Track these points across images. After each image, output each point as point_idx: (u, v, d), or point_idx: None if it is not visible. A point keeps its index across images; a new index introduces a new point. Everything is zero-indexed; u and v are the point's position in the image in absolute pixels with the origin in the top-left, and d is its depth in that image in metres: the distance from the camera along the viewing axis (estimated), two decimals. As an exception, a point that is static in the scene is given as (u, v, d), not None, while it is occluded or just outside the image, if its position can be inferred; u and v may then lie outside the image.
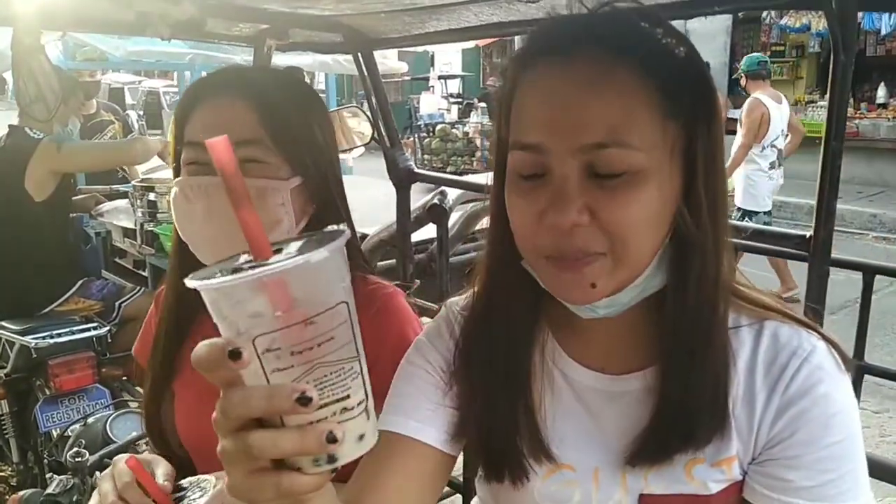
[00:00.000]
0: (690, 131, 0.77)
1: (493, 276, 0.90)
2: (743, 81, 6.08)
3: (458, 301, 0.99)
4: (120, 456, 1.06)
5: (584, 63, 0.75)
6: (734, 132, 5.90)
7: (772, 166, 5.92)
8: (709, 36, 11.38)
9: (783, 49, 12.19)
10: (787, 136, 6.06)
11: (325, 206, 1.16)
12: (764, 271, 5.45)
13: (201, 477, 1.06)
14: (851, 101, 10.83)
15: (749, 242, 1.40)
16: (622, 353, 0.88)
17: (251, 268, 0.55)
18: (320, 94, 1.33)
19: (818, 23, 10.93)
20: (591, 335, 0.89)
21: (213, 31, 1.76)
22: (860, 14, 9.75)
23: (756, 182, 5.91)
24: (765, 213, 6.01)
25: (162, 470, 1.05)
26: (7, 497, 3.54)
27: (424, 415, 0.91)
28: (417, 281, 2.16)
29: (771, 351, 0.82)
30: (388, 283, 1.24)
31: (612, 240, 0.76)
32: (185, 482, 1.05)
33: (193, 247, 1.13)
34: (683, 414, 0.80)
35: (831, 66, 1.23)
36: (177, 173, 1.14)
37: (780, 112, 5.89)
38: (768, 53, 12.31)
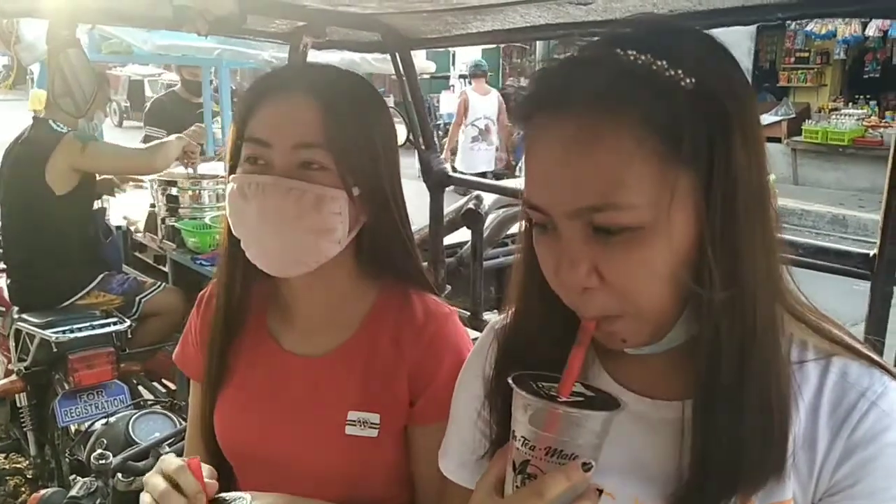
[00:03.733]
0: (700, 173, 0.70)
1: (529, 296, 0.86)
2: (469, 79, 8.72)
3: (498, 320, 0.97)
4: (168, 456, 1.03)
5: (575, 121, 0.70)
6: (766, 139, 6.07)
7: (474, 140, 8.56)
8: (733, 42, 10.95)
9: (808, 56, 12.02)
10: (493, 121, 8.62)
11: (379, 217, 1.13)
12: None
13: (237, 493, 1.03)
14: (877, 108, 10.76)
15: (806, 260, 1.34)
16: (669, 379, 0.83)
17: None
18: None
19: (844, 30, 10.81)
20: (638, 360, 0.84)
21: (250, 27, 1.73)
22: (888, 21, 9.65)
23: (464, 150, 8.55)
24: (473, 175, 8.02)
25: (206, 471, 1.02)
26: (23, 489, 3.55)
27: (473, 458, 0.93)
28: (449, 286, 2.11)
29: (838, 390, 0.76)
30: (445, 304, 1.21)
31: (624, 301, 0.73)
32: (223, 495, 1.02)
33: (244, 244, 1.10)
34: (727, 456, 0.74)
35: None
36: (233, 170, 1.11)
37: (483, 101, 8.56)
38: (792, 60, 12.23)
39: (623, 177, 0.68)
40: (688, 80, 0.69)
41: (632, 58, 0.70)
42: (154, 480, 0.98)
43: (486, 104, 8.66)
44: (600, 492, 0.75)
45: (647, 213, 0.69)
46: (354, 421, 1.13)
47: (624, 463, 0.83)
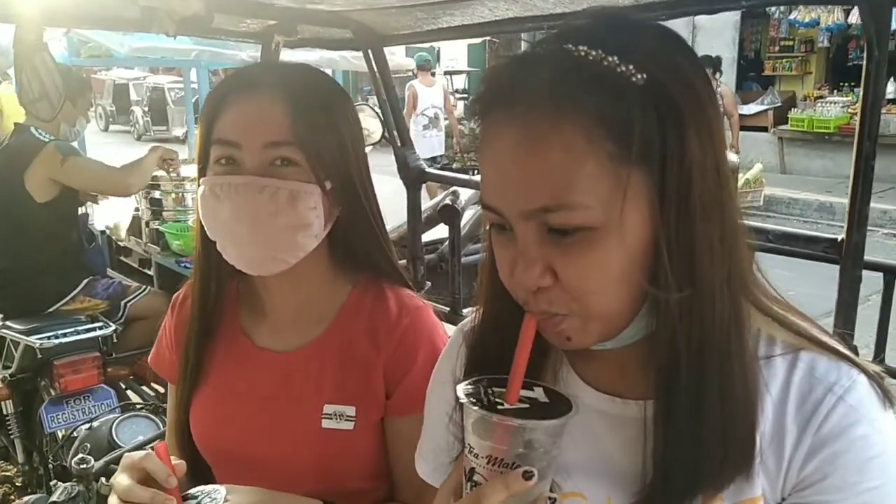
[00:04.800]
0: (653, 171, 0.68)
1: (495, 297, 0.85)
2: (414, 70, 9.23)
3: (467, 322, 0.96)
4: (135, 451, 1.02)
5: (525, 120, 0.69)
6: (752, 128, 6.06)
7: (425, 127, 9.14)
8: (716, 30, 11.31)
9: (792, 44, 12.05)
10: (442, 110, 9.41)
11: (351, 210, 1.14)
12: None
13: (213, 486, 1.03)
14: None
15: (774, 245, 1.34)
16: (635, 377, 0.82)
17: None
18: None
19: (827, 18, 10.85)
20: (605, 358, 0.83)
21: (220, 27, 1.73)
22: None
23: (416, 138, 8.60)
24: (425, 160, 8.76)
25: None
26: (12, 497, 3.54)
27: (447, 461, 0.93)
28: (429, 283, 2.11)
29: (805, 385, 0.75)
30: (419, 297, 1.22)
31: (574, 301, 0.72)
32: (195, 490, 1.02)
33: (221, 246, 1.10)
34: (686, 455, 0.73)
35: (864, 64, 1.18)
36: (202, 172, 1.11)
37: (429, 92, 9.25)
38: (777, 49, 12.26)
39: (574, 176, 0.67)
40: (639, 76, 0.67)
41: (582, 53, 0.68)
42: (118, 479, 0.97)
43: (433, 94, 9.38)
44: (553, 500, 0.73)
45: (600, 213, 0.68)
46: (330, 414, 1.13)
47: (594, 463, 0.82)
